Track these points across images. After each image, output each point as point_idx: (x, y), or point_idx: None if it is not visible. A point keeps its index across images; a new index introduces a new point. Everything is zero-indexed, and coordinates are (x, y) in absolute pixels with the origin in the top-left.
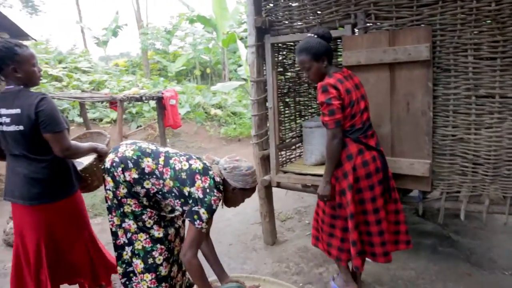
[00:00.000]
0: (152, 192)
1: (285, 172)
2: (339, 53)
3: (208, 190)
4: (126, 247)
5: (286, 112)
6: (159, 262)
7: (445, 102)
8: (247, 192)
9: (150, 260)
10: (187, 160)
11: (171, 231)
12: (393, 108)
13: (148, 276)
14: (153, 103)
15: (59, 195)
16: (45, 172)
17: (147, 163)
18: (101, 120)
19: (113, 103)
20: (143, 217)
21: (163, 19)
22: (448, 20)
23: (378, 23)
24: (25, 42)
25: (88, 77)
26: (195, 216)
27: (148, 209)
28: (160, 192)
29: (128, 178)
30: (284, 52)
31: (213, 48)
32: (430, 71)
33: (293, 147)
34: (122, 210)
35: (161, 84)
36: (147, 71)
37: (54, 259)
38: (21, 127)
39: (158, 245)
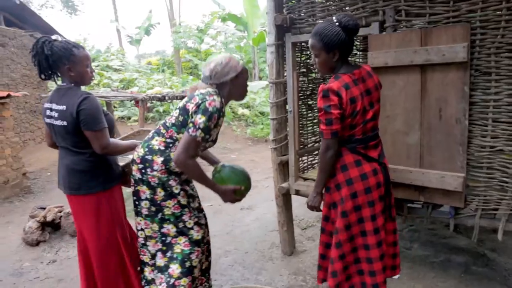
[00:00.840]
0: None
1: (305, 179)
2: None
3: (200, 101)
4: (159, 254)
5: (309, 115)
6: (194, 265)
7: (483, 109)
8: (243, 74)
9: (188, 264)
10: (176, 108)
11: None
12: (423, 114)
13: (185, 281)
14: (178, 102)
15: (95, 187)
16: (84, 164)
17: (157, 140)
18: (129, 118)
19: (137, 101)
20: (184, 217)
21: (195, 17)
22: (490, 17)
23: (409, 21)
24: None
25: (119, 75)
26: (190, 125)
27: (186, 209)
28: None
29: (157, 168)
30: (308, 52)
31: (244, 47)
32: (467, 74)
33: (316, 152)
34: (162, 215)
35: (189, 82)
36: (179, 70)
37: (84, 258)
38: (65, 123)
39: (196, 248)
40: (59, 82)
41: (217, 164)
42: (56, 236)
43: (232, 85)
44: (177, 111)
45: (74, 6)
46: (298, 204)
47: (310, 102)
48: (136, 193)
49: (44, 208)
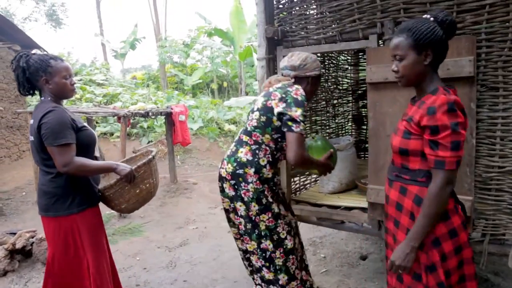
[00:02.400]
0: (270, 160)
1: (297, 201)
2: (361, 67)
3: (284, 94)
4: (264, 269)
5: None
6: (294, 267)
7: (491, 127)
8: (320, 78)
9: (291, 270)
10: (253, 110)
11: (296, 239)
12: None
13: (294, 284)
14: (163, 118)
15: (63, 210)
16: (50, 185)
17: (243, 152)
18: (112, 134)
19: (119, 117)
20: (278, 229)
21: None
22: (496, 29)
23: None
24: None
25: (102, 90)
26: (290, 123)
27: (279, 220)
28: (273, 152)
29: (252, 180)
30: None
31: (231, 62)
32: (473, 90)
33: (307, 172)
34: (258, 231)
35: (175, 97)
36: (164, 84)
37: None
38: (32, 138)
39: (291, 256)
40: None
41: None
42: (26, 264)
43: (310, 83)
44: (257, 113)
45: (58, 20)
46: None
47: None
48: (233, 210)
49: (15, 233)
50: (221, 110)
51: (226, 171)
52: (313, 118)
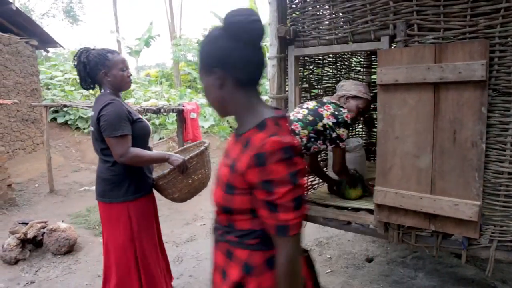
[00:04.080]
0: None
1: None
2: (374, 70)
3: (336, 113)
4: None
5: None
6: None
7: (502, 132)
8: (361, 101)
9: None
10: (302, 107)
11: None
12: (436, 136)
13: None
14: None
15: (118, 197)
16: (107, 172)
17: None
18: None
19: None
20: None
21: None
22: (511, 33)
23: (421, 36)
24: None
25: None
26: (338, 141)
27: None
28: (305, 147)
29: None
30: (311, 67)
31: None
32: (484, 94)
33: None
34: None
35: (187, 95)
36: (178, 82)
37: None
38: (93, 129)
39: None
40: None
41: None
42: (37, 254)
43: (347, 101)
44: (305, 110)
45: (75, 16)
46: None
47: None
48: None
49: (27, 223)
50: None
51: None
52: None
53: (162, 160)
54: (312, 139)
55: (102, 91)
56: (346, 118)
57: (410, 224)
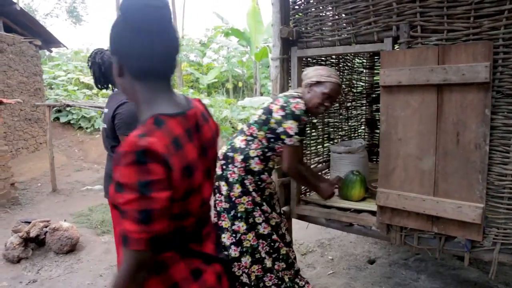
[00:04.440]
0: (260, 155)
1: (307, 202)
2: (376, 71)
3: (284, 104)
4: (233, 247)
5: (313, 134)
6: (263, 256)
7: (505, 134)
8: (325, 86)
9: (257, 256)
10: (259, 109)
11: (275, 236)
12: (439, 138)
13: (255, 267)
14: None
15: None
16: None
17: (239, 139)
18: None
19: None
20: (254, 213)
21: (198, 31)
22: None
23: (424, 37)
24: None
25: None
26: (283, 136)
27: (258, 207)
28: (265, 149)
29: (238, 165)
30: None
31: (246, 62)
32: (488, 96)
33: (319, 173)
34: (234, 212)
35: (190, 96)
36: (180, 82)
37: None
38: (105, 126)
39: (261, 240)
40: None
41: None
42: (39, 253)
43: (311, 90)
44: (261, 110)
45: (78, 16)
46: (298, 227)
47: (314, 121)
48: (217, 188)
49: (29, 222)
50: (235, 109)
51: (221, 152)
52: (326, 120)
53: None
54: (272, 139)
55: (116, 90)
56: (293, 109)
57: (412, 226)
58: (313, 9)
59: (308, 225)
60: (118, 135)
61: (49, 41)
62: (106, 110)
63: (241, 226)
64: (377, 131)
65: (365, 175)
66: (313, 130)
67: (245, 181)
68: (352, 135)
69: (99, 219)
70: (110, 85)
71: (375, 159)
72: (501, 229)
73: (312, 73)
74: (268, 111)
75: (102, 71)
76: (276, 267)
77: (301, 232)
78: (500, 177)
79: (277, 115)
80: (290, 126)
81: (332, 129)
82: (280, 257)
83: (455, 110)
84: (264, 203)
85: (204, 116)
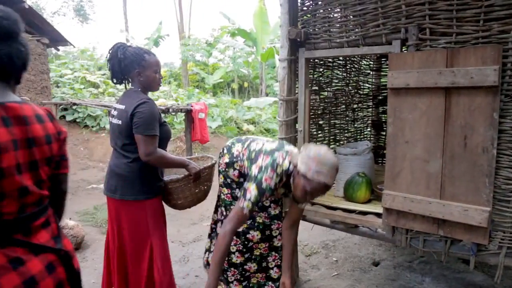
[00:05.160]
0: (241, 173)
1: (313, 203)
2: (383, 73)
3: (263, 168)
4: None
5: (319, 135)
6: (233, 250)
7: None
8: (309, 183)
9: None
10: (265, 142)
11: (255, 233)
12: (446, 141)
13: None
14: (182, 115)
15: (130, 195)
16: (124, 168)
17: (236, 148)
18: None
19: None
20: (232, 207)
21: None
22: None
23: (433, 40)
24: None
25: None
26: (242, 193)
27: (234, 236)
28: (244, 175)
29: (222, 162)
30: (321, 69)
31: (252, 62)
32: (496, 100)
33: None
34: (219, 201)
35: (195, 95)
36: (186, 82)
37: (118, 254)
38: (120, 122)
39: (233, 237)
40: (129, 87)
41: None
42: None
43: (297, 177)
44: (254, 152)
45: (85, 15)
46: (303, 228)
47: (321, 122)
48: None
49: None
50: (240, 109)
51: (225, 145)
52: (332, 121)
53: (182, 165)
54: (248, 175)
55: (133, 87)
56: (263, 180)
57: (418, 229)
58: (321, 11)
59: (313, 227)
60: (135, 133)
61: (57, 40)
62: (122, 107)
63: (218, 214)
64: (383, 133)
65: (370, 177)
66: (319, 132)
67: (227, 174)
68: (358, 137)
69: (104, 218)
70: (125, 81)
71: (380, 161)
72: (508, 232)
73: (304, 160)
74: (257, 155)
75: (121, 66)
76: (246, 267)
77: (306, 233)
78: (507, 181)
79: (255, 170)
80: (250, 188)
81: (338, 131)
82: (253, 257)
83: (463, 113)
84: (251, 230)
85: (39, 117)
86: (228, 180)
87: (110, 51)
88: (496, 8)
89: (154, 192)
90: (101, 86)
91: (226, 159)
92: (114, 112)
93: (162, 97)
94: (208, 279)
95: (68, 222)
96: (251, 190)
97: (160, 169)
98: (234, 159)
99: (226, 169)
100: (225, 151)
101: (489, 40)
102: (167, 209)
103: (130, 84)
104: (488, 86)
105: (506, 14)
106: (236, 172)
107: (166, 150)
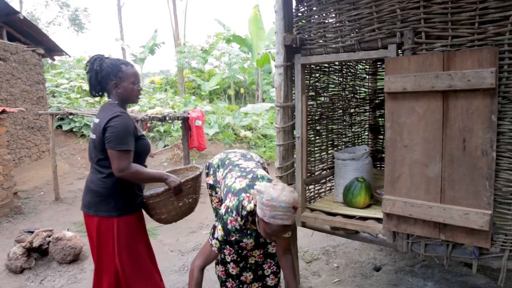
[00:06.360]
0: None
1: (312, 210)
2: (379, 77)
3: (229, 210)
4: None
5: (317, 141)
6: (228, 260)
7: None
8: (268, 226)
9: (221, 256)
10: (237, 178)
11: (249, 241)
12: (445, 145)
13: (220, 267)
14: (179, 123)
15: (105, 211)
16: (98, 184)
17: (219, 174)
18: None
19: (137, 121)
20: (224, 251)
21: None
22: None
23: (429, 43)
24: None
25: None
26: (212, 231)
27: (227, 246)
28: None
29: (207, 182)
30: (317, 75)
31: (248, 68)
32: (494, 102)
33: (323, 180)
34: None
35: (192, 103)
36: (182, 89)
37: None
38: (94, 136)
39: (228, 246)
40: (106, 99)
41: None
42: (42, 263)
43: (259, 219)
44: (226, 188)
45: (81, 24)
46: (302, 234)
47: (318, 128)
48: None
49: (32, 232)
50: (237, 116)
51: (213, 161)
52: (329, 126)
53: (160, 179)
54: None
55: (110, 100)
56: (228, 222)
57: (419, 234)
58: (316, 16)
59: (313, 233)
60: (107, 148)
61: (52, 50)
62: (97, 121)
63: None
64: (381, 137)
65: (369, 182)
66: (317, 137)
67: (213, 193)
68: (356, 141)
69: None
70: (104, 94)
71: (379, 165)
72: (510, 235)
73: (259, 207)
74: (226, 193)
75: (98, 78)
76: (242, 278)
77: (306, 240)
78: (507, 183)
79: (222, 209)
80: (216, 231)
81: (335, 136)
82: (248, 266)
83: (461, 116)
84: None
85: None
86: (213, 193)
87: (88, 64)
88: (490, 11)
89: (130, 209)
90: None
91: (211, 180)
92: (92, 126)
93: (158, 105)
94: None
95: (66, 233)
96: (217, 230)
97: (138, 185)
98: (217, 184)
99: (210, 190)
100: (211, 171)
101: (485, 43)
102: None
103: (108, 97)
104: (486, 88)
105: (501, 17)
106: (218, 195)
107: (145, 165)
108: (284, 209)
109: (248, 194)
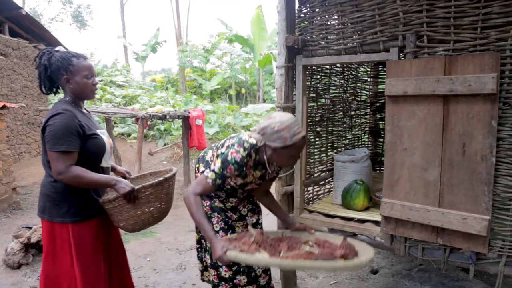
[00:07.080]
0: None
1: (310, 211)
2: (381, 80)
3: (230, 145)
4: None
5: (317, 142)
6: (216, 229)
7: (511, 146)
8: (290, 149)
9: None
10: (224, 143)
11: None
12: (445, 149)
13: (212, 272)
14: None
15: (57, 216)
16: (49, 188)
17: (209, 155)
18: (129, 135)
19: (137, 119)
20: (212, 220)
21: (202, 37)
22: None
23: (431, 47)
24: None
25: (122, 91)
26: (209, 167)
27: (216, 213)
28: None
29: (197, 174)
30: (318, 76)
31: (250, 68)
32: (495, 107)
33: (322, 182)
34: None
35: (193, 102)
36: (183, 88)
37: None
38: (40, 137)
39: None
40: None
41: None
42: (40, 258)
43: (275, 153)
44: (221, 144)
45: (83, 21)
46: None
47: (318, 129)
48: None
49: (30, 228)
50: (238, 116)
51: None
52: (329, 128)
53: (108, 185)
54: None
55: (63, 97)
56: (229, 154)
57: (417, 237)
58: (318, 18)
59: None
60: (46, 149)
61: (54, 46)
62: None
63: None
64: (381, 140)
65: (368, 184)
66: (317, 139)
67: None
68: (356, 143)
69: None
70: (58, 91)
71: (378, 168)
72: (507, 241)
73: (274, 138)
74: (222, 145)
75: (47, 74)
76: (236, 281)
77: None
78: (506, 189)
79: (221, 149)
80: (215, 163)
81: (336, 138)
82: (241, 269)
83: (461, 121)
84: (229, 210)
85: None
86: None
87: (36, 59)
88: (493, 16)
89: (87, 214)
90: (98, 92)
91: (202, 167)
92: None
93: (159, 103)
94: (203, 230)
95: None
96: (216, 163)
97: (95, 188)
98: (210, 164)
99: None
100: (199, 161)
101: (487, 48)
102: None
103: (61, 93)
104: (486, 93)
105: (504, 22)
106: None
107: (101, 167)
108: (295, 122)
109: (247, 133)
